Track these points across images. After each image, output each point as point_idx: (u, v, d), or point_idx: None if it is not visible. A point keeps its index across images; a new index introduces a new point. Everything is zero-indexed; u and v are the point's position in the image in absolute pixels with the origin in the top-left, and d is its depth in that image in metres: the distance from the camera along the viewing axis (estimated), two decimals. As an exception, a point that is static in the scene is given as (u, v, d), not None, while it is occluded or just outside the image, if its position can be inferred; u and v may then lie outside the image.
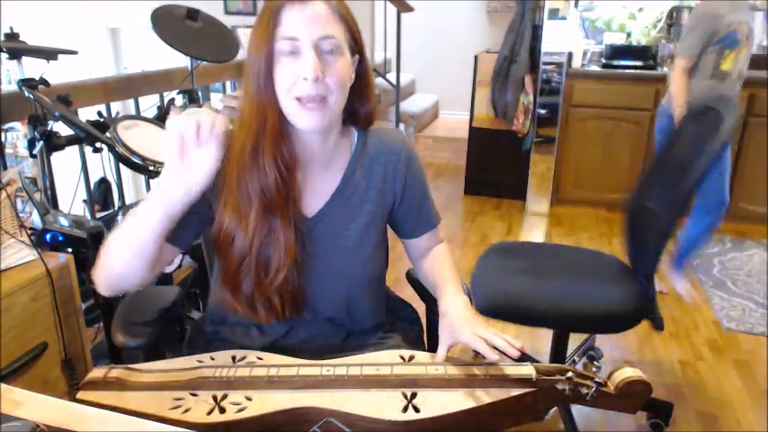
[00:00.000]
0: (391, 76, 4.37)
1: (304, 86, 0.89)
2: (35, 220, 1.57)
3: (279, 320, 1.04)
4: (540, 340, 2.28)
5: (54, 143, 1.71)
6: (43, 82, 1.69)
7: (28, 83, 1.66)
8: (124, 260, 0.91)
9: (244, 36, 2.96)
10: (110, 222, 1.98)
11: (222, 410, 0.77)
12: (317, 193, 1.04)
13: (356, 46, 0.97)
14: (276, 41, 0.89)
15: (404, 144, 1.11)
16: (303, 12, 0.89)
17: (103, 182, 2.13)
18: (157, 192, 0.86)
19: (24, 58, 1.69)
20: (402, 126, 4.81)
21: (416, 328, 1.25)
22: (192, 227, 1.00)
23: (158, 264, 0.96)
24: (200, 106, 2.12)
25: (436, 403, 0.79)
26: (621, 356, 2.15)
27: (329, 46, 0.90)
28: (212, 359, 0.89)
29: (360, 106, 1.04)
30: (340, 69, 0.92)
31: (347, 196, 1.06)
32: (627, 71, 3.41)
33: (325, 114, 0.92)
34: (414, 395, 0.80)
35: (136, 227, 0.90)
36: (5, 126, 2.58)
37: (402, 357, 0.89)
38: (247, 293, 1.01)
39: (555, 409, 1.85)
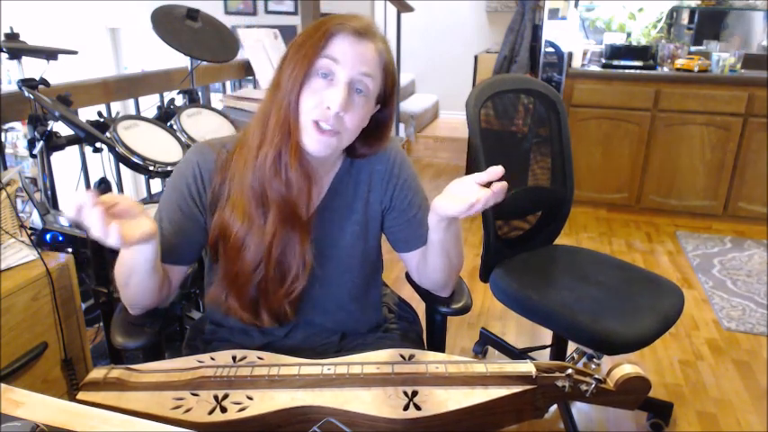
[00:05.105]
0: (391, 77, 4.37)
1: (323, 114, 0.90)
2: (35, 220, 1.57)
3: (281, 325, 1.05)
4: (541, 337, 2.29)
5: (54, 143, 1.70)
6: (43, 82, 1.69)
7: (28, 83, 1.65)
8: (131, 289, 0.96)
9: (244, 36, 2.96)
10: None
11: (223, 410, 0.77)
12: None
13: (384, 97, 0.98)
14: (318, 57, 0.89)
15: (393, 152, 1.08)
16: (354, 44, 0.90)
17: (103, 182, 2.13)
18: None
19: (24, 58, 1.69)
20: (402, 126, 4.81)
21: (416, 328, 1.25)
22: (191, 246, 1.02)
23: (170, 283, 1.01)
24: (200, 106, 2.12)
25: (437, 401, 0.79)
26: (621, 356, 2.15)
27: (361, 86, 0.91)
28: (212, 359, 0.88)
29: (361, 147, 1.03)
30: (361, 112, 0.93)
31: (335, 206, 1.06)
32: (627, 71, 3.41)
33: (332, 146, 0.93)
34: (414, 393, 0.80)
35: (124, 267, 0.92)
36: (5, 126, 2.58)
37: (402, 356, 0.89)
38: (252, 299, 1.01)
39: (555, 407, 1.86)
